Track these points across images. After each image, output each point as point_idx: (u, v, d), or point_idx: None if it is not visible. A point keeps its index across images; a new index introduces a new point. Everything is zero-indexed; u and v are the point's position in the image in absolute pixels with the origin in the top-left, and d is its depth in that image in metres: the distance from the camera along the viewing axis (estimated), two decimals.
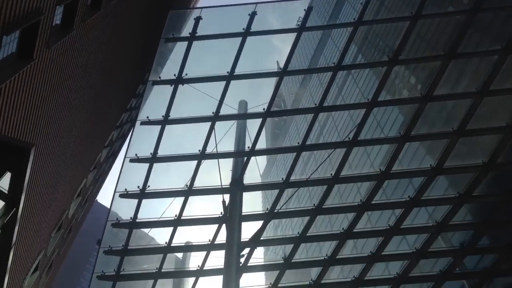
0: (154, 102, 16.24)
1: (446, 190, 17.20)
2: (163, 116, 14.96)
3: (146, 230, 17.15)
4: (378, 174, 15.29)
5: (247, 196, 16.20)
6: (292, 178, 16.02)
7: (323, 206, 15.97)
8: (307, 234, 16.49)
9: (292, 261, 16.78)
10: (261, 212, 16.38)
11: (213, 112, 14.90)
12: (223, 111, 15.07)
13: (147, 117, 15.07)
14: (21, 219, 10.04)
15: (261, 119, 15.40)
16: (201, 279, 17.41)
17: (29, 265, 13.60)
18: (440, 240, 17.23)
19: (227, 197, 15.90)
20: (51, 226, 14.93)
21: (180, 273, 17.98)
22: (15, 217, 9.33)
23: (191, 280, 17.84)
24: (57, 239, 16.77)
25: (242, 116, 16.60)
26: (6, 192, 9.18)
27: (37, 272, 15.30)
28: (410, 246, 17.73)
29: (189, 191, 15.58)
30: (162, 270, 16.95)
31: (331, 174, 15.57)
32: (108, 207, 17.82)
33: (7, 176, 9.16)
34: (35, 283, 15.65)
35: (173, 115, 14.99)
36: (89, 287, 18.14)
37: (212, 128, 15.01)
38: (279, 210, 15.96)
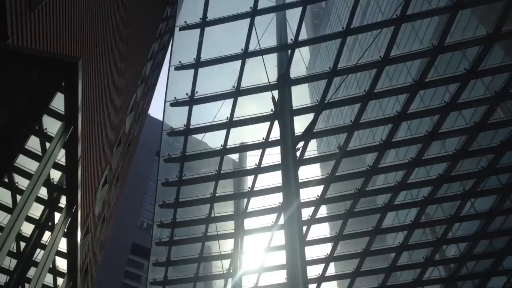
0: (190, 5, 15.87)
1: (503, 58, 16.33)
2: (200, 18, 14.62)
3: (199, 137, 17.61)
4: (431, 49, 14.58)
5: (294, 94, 16.08)
6: (339, 66, 15.63)
7: (374, 91, 15.62)
8: (360, 121, 16.37)
9: (347, 149, 16.88)
10: (312, 104, 16.28)
11: (250, 7, 14.39)
12: (260, 5, 14.52)
13: (185, 22, 14.79)
14: (82, 136, 10.43)
15: (301, 8, 14.75)
16: (259, 177, 17.97)
17: (98, 179, 14.39)
18: (499, 111, 16.70)
19: (275, 94, 15.84)
20: (111, 141, 15.52)
21: (239, 173, 18.59)
22: (76, 134, 9.69)
23: (249, 179, 18.47)
24: (119, 154, 17.51)
25: (280, 7, 15.95)
26: (63, 112, 9.47)
27: (106, 186, 16.20)
28: (467, 121, 17.32)
29: (237, 92, 15.58)
30: (221, 172, 17.60)
31: (380, 56, 15.02)
32: (161, 119, 18.29)
33: (61, 98, 9.41)
34: (106, 195, 16.66)
35: (210, 16, 14.62)
36: (156, 195, 19.21)
37: (251, 24, 14.58)
38: (329, 100, 15.78)
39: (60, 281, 13.00)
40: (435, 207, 20.18)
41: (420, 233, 21.14)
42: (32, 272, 10.34)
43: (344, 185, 18.64)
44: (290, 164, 13.40)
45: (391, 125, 16.54)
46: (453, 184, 18.54)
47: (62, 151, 10.35)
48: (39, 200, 9.92)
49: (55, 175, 10.59)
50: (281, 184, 15.09)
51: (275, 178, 17.90)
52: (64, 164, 10.56)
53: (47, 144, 9.15)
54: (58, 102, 9.48)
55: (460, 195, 18.16)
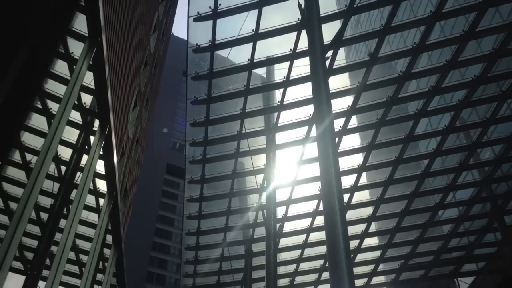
0: None
1: None
2: None
3: (225, 55, 17.27)
4: None
5: (321, 1, 15.29)
6: None
7: None
8: (392, 25, 15.65)
9: (379, 55, 16.31)
10: (340, 9, 15.56)
11: None
12: None
13: None
14: (108, 57, 10.30)
15: None
16: (289, 91, 17.72)
17: (128, 101, 14.45)
18: None
19: (302, 1, 15.16)
20: (137, 62, 15.38)
21: (268, 87, 18.32)
22: (102, 54, 9.58)
23: (278, 94, 18.23)
24: (146, 75, 17.44)
25: None
26: (86, 34, 9.32)
27: (137, 108, 16.32)
28: (504, 18, 16.35)
29: (261, 1, 14.97)
30: (250, 87, 17.41)
31: None
32: (185, 39, 17.92)
33: (83, 20, 9.22)
34: (138, 117, 16.82)
35: None
36: (186, 114, 19.28)
37: None
38: (359, 4, 15.03)
39: (102, 201, 13.54)
40: (470, 111, 19.68)
41: (454, 139, 20.88)
42: (74, 194, 10.73)
43: (375, 94, 18.25)
44: (320, 74, 13.01)
45: (424, 27, 15.78)
46: (489, 85, 17.90)
47: (92, 75, 10.34)
48: (74, 124, 10.07)
49: (87, 99, 10.67)
50: (311, 96, 14.85)
51: (304, 91, 17.65)
52: (94, 87, 10.58)
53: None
54: (82, 24, 9.31)
55: (497, 96, 17.58)
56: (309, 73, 13.98)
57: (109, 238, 15.39)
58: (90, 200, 12.55)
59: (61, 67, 9.04)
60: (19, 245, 7.71)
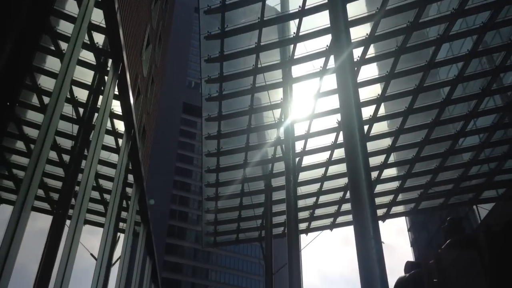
0: None
1: None
2: None
3: None
4: None
5: None
6: None
7: None
8: None
9: None
10: None
11: None
12: None
13: None
14: None
15: None
16: (305, 22, 17.15)
17: (141, 39, 14.16)
18: None
19: None
20: None
21: (283, 18, 17.71)
22: None
23: (293, 26, 17.66)
24: (158, 11, 16.98)
25: None
26: None
27: (150, 46, 16.02)
28: None
29: None
30: (264, 19, 16.89)
31: None
32: None
33: None
34: (152, 55, 16.55)
35: None
36: (200, 51, 18.90)
37: None
38: None
39: (121, 142, 13.62)
40: (493, 34, 18.88)
41: (476, 64, 20.22)
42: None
43: (394, 20, 17.54)
44: (338, 0, 12.45)
45: None
46: None
47: (102, 14, 10.06)
48: (88, 65, 9.93)
49: (99, 39, 10.48)
50: (328, 25, 14.34)
51: (320, 21, 17.07)
52: (105, 26, 10.34)
53: None
54: None
55: None
56: (326, 0, 13.41)
57: (130, 178, 15.62)
58: (110, 140, 12.61)
59: (71, 6, 8.82)
60: (45, 187, 7.80)
